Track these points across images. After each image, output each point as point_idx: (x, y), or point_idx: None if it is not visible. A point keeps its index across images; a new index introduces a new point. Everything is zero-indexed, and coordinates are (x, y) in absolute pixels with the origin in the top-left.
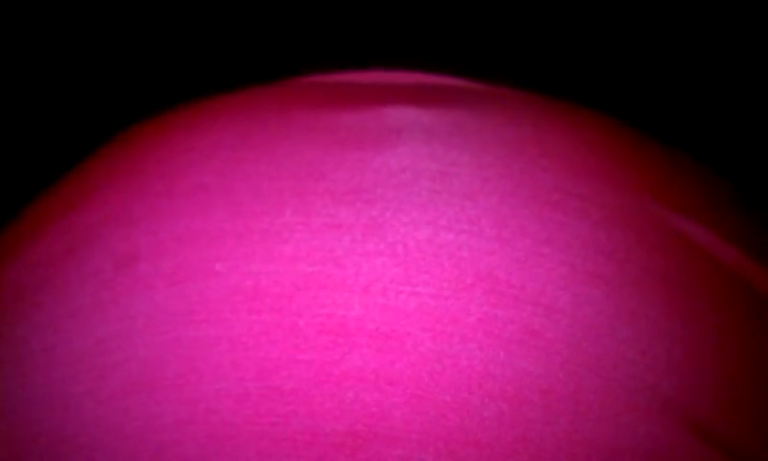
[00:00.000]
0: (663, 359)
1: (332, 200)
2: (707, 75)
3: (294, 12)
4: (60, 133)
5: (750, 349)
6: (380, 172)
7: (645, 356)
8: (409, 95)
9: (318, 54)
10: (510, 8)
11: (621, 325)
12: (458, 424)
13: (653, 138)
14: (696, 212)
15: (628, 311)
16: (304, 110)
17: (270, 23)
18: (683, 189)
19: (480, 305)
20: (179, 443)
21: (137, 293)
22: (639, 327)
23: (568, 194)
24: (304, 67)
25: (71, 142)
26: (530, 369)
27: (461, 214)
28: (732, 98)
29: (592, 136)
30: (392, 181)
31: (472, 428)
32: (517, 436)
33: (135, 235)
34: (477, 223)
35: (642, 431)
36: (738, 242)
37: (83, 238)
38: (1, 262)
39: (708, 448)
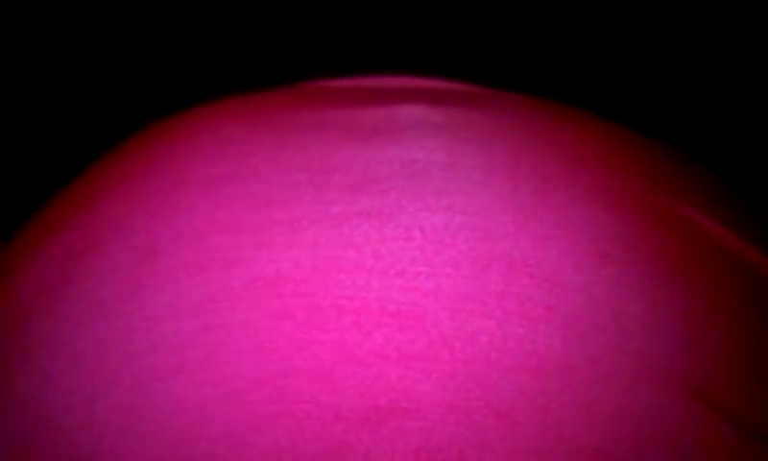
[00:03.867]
0: (672, 334)
1: (348, 190)
2: (705, 76)
3: (303, 20)
4: (76, 133)
5: (754, 327)
6: (393, 164)
7: (656, 331)
8: (418, 95)
9: (325, 61)
10: (512, 13)
11: (632, 301)
12: (478, 397)
13: (652, 139)
14: (696, 202)
15: (638, 289)
16: (315, 109)
17: (279, 30)
18: (682, 182)
19: (497, 284)
20: (203, 424)
21: (160, 284)
22: (649, 304)
23: (577, 182)
24: (312, 73)
25: (87, 141)
26: (548, 343)
27: (475, 200)
28: (731, 99)
29: (596, 134)
30: (405, 171)
31: (493, 400)
32: (537, 407)
33: (155, 229)
34: (491, 207)
35: (655, 402)
36: (738, 230)
37: (102, 234)
38: (22, 259)
39: (717, 417)
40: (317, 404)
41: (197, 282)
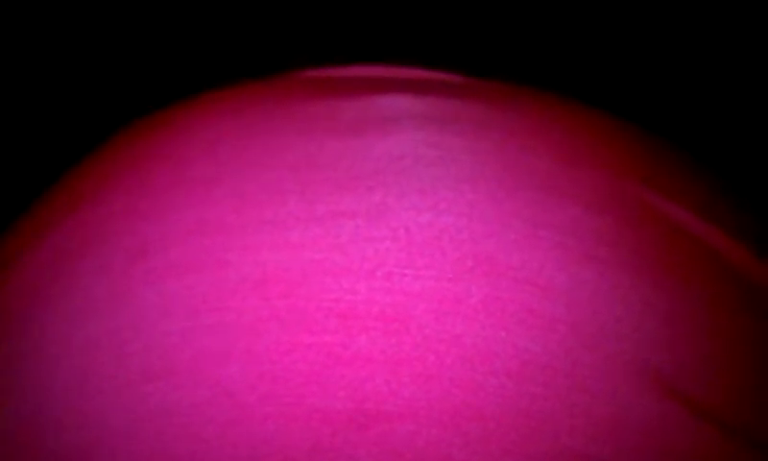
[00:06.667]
0: (654, 335)
1: (335, 187)
2: (701, 70)
3: (285, 9)
4: (61, 131)
5: (737, 326)
6: (380, 159)
7: (637, 333)
8: (403, 86)
9: (311, 50)
10: (499, 5)
11: (614, 303)
12: (462, 400)
13: (641, 129)
14: (680, 197)
15: (620, 290)
16: (302, 103)
17: (265, 20)
18: (667, 176)
19: (481, 287)
20: (196, 424)
21: (149, 285)
22: (631, 304)
23: (561, 178)
24: (299, 63)
25: (72, 139)
26: (530, 346)
27: (460, 198)
28: (728, 94)
29: (581, 125)
30: (392, 167)
31: (476, 404)
32: (519, 410)
33: (143, 229)
34: (476, 207)
35: (636, 404)
36: (721, 224)
37: (92, 235)
38: (10, 260)
39: (698, 419)
40: (305, 407)
41: (185, 284)
